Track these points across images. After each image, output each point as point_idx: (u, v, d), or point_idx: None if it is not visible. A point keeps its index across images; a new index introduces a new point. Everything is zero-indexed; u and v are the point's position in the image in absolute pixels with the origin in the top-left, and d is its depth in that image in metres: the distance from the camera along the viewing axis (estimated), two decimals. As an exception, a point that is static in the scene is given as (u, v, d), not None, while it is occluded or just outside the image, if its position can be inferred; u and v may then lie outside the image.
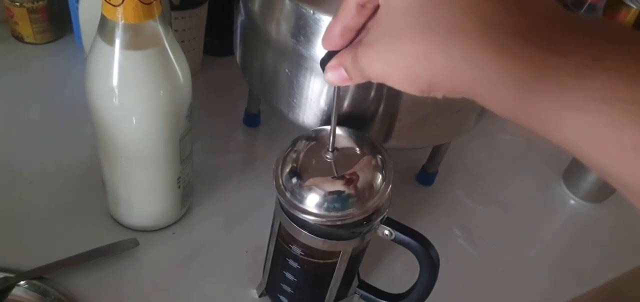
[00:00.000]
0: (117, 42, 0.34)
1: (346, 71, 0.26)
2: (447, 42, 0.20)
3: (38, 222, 0.46)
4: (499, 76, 0.19)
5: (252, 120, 0.61)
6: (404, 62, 0.22)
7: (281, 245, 0.39)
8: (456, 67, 0.20)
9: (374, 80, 0.25)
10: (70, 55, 0.64)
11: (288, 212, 0.36)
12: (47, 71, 0.62)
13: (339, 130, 0.35)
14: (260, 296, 0.44)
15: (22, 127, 0.55)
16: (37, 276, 0.40)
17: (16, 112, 0.56)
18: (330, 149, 0.34)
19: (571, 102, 0.18)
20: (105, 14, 0.34)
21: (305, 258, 0.38)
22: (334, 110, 0.32)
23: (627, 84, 0.16)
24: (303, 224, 0.35)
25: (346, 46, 0.27)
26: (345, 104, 0.40)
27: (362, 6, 0.25)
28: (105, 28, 0.34)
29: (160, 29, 0.36)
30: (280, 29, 0.40)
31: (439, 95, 0.22)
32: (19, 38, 0.63)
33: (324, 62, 0.29)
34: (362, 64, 0.25)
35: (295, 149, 0.35)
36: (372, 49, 0.24)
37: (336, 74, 0.27)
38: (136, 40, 0.35)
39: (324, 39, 0.28)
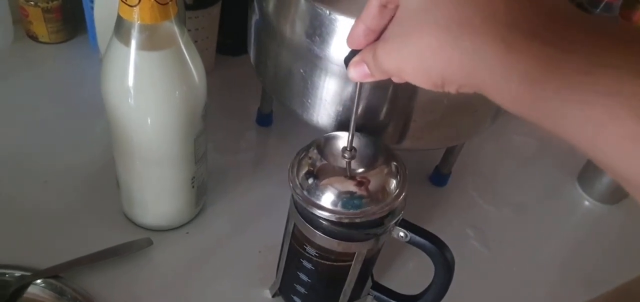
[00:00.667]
0: (133, 42, 0.34)
1: (368, 67, 0.27)
2: (458, 36, 0.20)
3: (53, 221, 0.46)
4: (506, 71, 0.19)
5: (264, 119, 0.61)
6: (417, 55, 0.23)
7: (295, 246, 0.39)
8: (466, 61, 0.21)
9: (391, 75, 0.26)
10: (84, 54, 0.64)
11: (303, 212, 0.36)
12: (61, 71, 0.62)
13: (356, 135, 0.35)
14: (273, 296, 0.44)
15: (36, 126, 0.55)
16: (52, 274, 0.40)
17: (30, 112, 0.56)
18: (348, 148, 0.34)
19: (576, 96, 0.18)
20: (121, 15, 0.34)
21: (320, 259, 0.38)
22: (354, 107, 0.32)
23: (629, 80, 0.17)
24: (318, 225, 0.35)
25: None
26: (361, 104, 0.40)
27: (384, 7, 0.26)
28: (121, 28, 0.34)
29: (176, 30, 0.36)
30: (295, 29, 0.39)
31: (452, 89, 0.23)
32: (34, 37, 0.63)
33: (347, 60, 0.29)
34: (380, 59, 0.26)
35: (312, 148, 0.35)
36: (389, 44, 0.25)
37: (358, 70, 0.28)
38: (152, 41, 0.35)
39: (348, 39, 0.29)
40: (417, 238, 0.36)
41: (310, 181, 0.33)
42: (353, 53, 0.29)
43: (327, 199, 0.33)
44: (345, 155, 0.34)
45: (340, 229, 0.35)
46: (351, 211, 0.33)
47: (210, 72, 0.66)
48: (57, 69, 0.62)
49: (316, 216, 0.35)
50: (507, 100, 0.21)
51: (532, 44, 0.19)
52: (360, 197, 0.33)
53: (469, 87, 0.22)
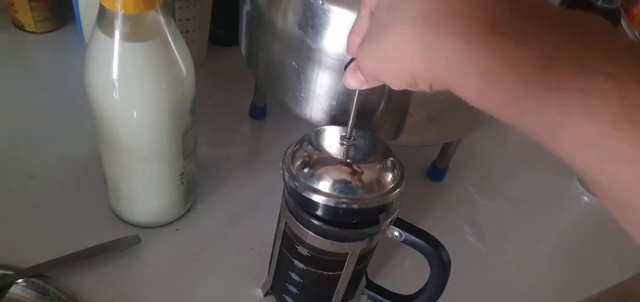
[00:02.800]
0: (117, 33, 0.33)
1: (362, 73, 0.27)
2: (422, 33, 0.20)
3: (38, 218, 0.45)
4: (466, 66, 0.19)
5: (258, 113, 0.59)
6: (387, 55, 0.23)
7: (287, 245, 0.37)
8: (430, 57, 0.20)
9: (374, 77, 0.26)
10: (72, 44, 0.62)
11: (294, 211, 0.35)
12: (49, 61, 0.61)
13: (357, 131, 0.34)
14: (265, 295, 0.43)
15: (22, 119, 0.53)
16: (36, 273, 0.39)
17: (16, 104, 0.55)
18: (348, 135, 0.33)
19: (532, 91, 0.18)
20: (103, 4, 0.32)
21: (312, 259, 0.36)
22: (356, 95, 0.31)
23: (584, 76, 0.16)
24: (309, 225, 0.34)
25: None
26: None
27: (372, 14, 0.25)
28: (104, 19, 0.33)
29: (162, 20, 0.34)
30: (287, 19, 0.38)
31: (425, 87, 0.23)
32: (20, 27, 0.62)
33: (346, 68, 0.29)
34: (360, 62, 0.26)
35: (304, 142, 0.34)
36: (365, 46, 0.25)
37: (354, 77, 0.28)
38: (137, 32, 0.33)
39: (347, 48, 0.29)
40: (412, 238, 0.35)
41: (306, 170, 0.32)
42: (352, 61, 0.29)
43: (324, 185, 0.31)
44: (344, 142, 0.33)
45: (333, 229, 0.34)
46: (349, 196, 0.31)
47: (202, 63, 0.65)
48: (44, 59, 0.61)
49: (308, 214, 0.34)
50: (470, 96, 0.20)
51: (490, 37, 0.18)
52: (357, 185, 0.31)
53: (437, 83, 0.22)
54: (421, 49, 0.21)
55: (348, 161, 0.32)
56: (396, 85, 0.24)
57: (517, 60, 0.18)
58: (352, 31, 0.28)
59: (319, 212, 0.33)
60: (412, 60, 0.21)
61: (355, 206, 0.31)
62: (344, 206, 0.31)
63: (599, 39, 0.17)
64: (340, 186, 0.31)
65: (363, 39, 0.25)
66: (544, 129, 0.18)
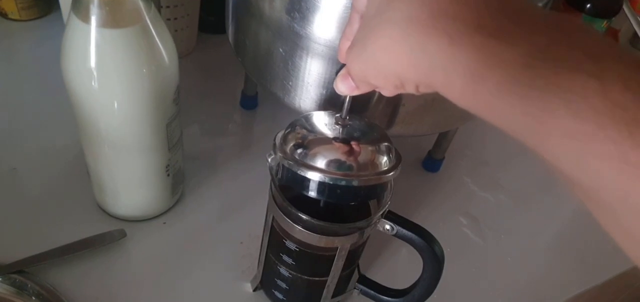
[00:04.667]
0: (93, 19, 0.31)
1: (351, 78, 0.27)
2: (407, 33, 0.20)
3: (20, 211, 0.43)
4: (450, 65, 0.19)
5: (249, 102, 0.58)
6: (374, 58, 0.22)
7: (275, 240, 0.36)
8: (415, 58, 0.20)
9: (363, 81, 0.26)
10: (58, 33, 0.59)
11: (282, 206, 0.33)
12: (33, 50, 0.59)
13: (352, 116, 0.32)
14: (254, 290, 0.42)
15: (5, 109, 0.52)
16: (16, 269, 0.38)
17: None
18: (343, 116, 0.31)
19: (517, 90, 0.18)
20: (78, -12, 0.31)
21: (301, 254, 0.35)
22: None
23: (567, 75, 0.16)
24: (297, 219, 0.33)
25: None
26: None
27: (362, 18, 0.25)
28: (79, 3, 0.31)
29: (141, 4, 0.32)
30: (274, 4, 0.36)
31: (412, 89, 0.22)
32: (3, 14, 0.60)
33: (337, 74, 0.29)
34: (349, 66, 0.25)
35: (296, 126, 0.32)
36: (353, 49, 0.24)
37: (345, 83, 0.28)
38: (114, 17, 0.32)
39: (338, 54, 0.29)
40: (405, 231, 0.34)
41: (300, 150, 0.30)
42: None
43: (320, 162, 0.30)
44: (339, 122, 0.31)
45: (322, 223, 0.32)
46: (345, 172, 0.30)
47: (191, 51, 0.63)
48: (28, 48, 0.59)
49: (296, 208, 0.32)
50: (454, 95, 0.20)
51: (474, 36, 0.18)
52: (352, 164, 0.30)
53: (424, 85, 0.21)
54: (407, 49, 0.20)
55: (344, 137, 0.31)
56: (384, 88, 0.24)
57: (501, 60, 0.18)
58: (343, 36, 0.28)
59: (311, 192, 0.31)
60: (398, 61, 0.21)
61: (354, 183, 0.30)
62: (342, 183, 0.29)
63: (583, 39, 0.17)
64: (335, 164, 0.30)
65: (351, 43, 0.25)
66: (527, 128, 0.18)
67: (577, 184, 0.17)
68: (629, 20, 0.60)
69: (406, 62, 0.21)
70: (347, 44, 0.26)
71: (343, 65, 0.28)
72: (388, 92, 0.24)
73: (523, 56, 0.17)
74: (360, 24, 0.24)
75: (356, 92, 0.28)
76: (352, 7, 0.27)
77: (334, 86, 0.29)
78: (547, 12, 0.19)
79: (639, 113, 0.15)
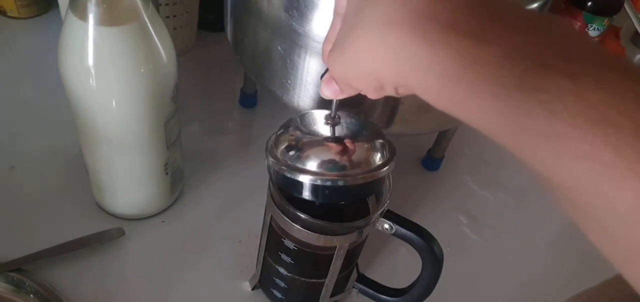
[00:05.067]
0: (91, 17, 0.31)
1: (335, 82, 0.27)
2: (385, 34, 0.20)
3: (19, 210, 0.43)
4: (428, 65, 0.19)
5: (248, 100, 0.57)
6: (354, 59, 0.22)
7: (274, 239, 0.36)
8: (393, 59, 0.20)
9: (342, 85, 0.26)
10: (57, 31, 0.59)
11: (280, 205, 0.33)
12: (32, 48, 0.59)
13: (346, 115, 0.32)
14: (253, 289, 0.42)
15: (4, 107, 0.52)
16: (14, 267, 0.37)
17: (-2, 92, 0.53)
18: (332, 115, 0.31)
19: (490, 89, 0.17)
20: (75, -15, 0.30)
21: (299, 253, 0.35)
22: None
23: (542, 74, 0.16)
24: (295, 218, 0.32)
25: None
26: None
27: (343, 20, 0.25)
28: (77, 1, 0.31)
29: (139, 2, 0.32)
30: (272, 2, 0.36)
31: (391, 91, 0.22)
32: (2, 12, 0.60)
33: (322, 77, 0.28)
34: (330, 68, 0.25)
35: (290, 126, 0.32)
36: (334, 51, 0.24)
37: (330, 87, 0.27)
38: (112, 15, 0.31)
39: (322, 56, 0.28)
40: (403, 230, 0.34)
41: (292, 153, 0.30)
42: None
43: (311, 164, 0.29)
44: (329, 121, 0.31)
45: (320, 222, 0.32)
46: (336, 173, 0.29)
47: (190, 49, 0.63)
48: (27, 46, 0.59)
49: (294, 206, 0.32)
50: (431, 97, 0.20)
51: (449, 36, 0.18)
52: (345, 163, 0.29)
53: (403, 87, 0.21)
54: (384, 50, 0.20)
55: (335, 136, 0.30)
56: (365, 90, 0.24)
57: (476, 59, 0.18)
58: (326, 39, 0.27)
59: (305, 195, 0.31)
60: (377, 62, 0.21)
61: (341, 183, 0.29)
62: (329, 184, 0.29)
63: (559, 39, 0.17)
64: (328, 164, 0.29)
65: (333, 45, 0.25)
66: (503, 129, 0.18)
67: (553, 184, 0.17)
68: (631, 18, 0.60)
69: (384, 64, 0.21)
70: (330, 46, 0.26)
71: (328, 69, 0.28)
72: (370, 94, 0.24)
73: (497, 56, 0.17)
74: (340, 26, 0.24)
75: (341, 96, 0.27)
76: (334, 10, 0.27)
77: (319, 91, 0.29)
78: (527, 12, 0.19)
79: (612, 113, 0.15)
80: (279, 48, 0.37)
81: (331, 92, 0.27)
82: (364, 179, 0.30)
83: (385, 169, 0.30)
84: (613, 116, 0.15)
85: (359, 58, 0.22)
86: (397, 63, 0.20)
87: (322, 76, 0.28)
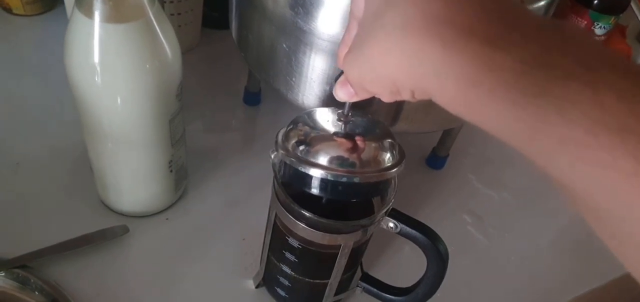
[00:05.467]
0: (97, 14, 0.31)
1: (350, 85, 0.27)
2: (401, 39, 0.20)
3: (24, 207, 0.44)
4: (443, 70, 0.19)
5: (252, 98, 0.57)
6: (370, 64, 0.23)
7: (278, 237, 0.36)
8: (409, 63, 0.20)
9: (358, 88, 0.26)
10: (62, 28, 0.59)
11: (284, 203, 0.33)
12: (37, 45, 0.59)
13: (356, 114, 0.32)
14: (257, 287, 0.42)
15: (10, 104, 0.52)
16: (19, 264, 0.38)
17: (3, 89, 0.53)
18: (345, 112, 0.31)
19: (509, 96, 0.18)
20: (81, -17, 0.30)
21: (303, 251, 0.35)
22: None
23: (561, 83, 0.17)
24: (300, 217, 0.32)
25: None
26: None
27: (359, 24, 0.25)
28: (82, -2, 0.31)
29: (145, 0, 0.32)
30: (277, -1, 0.36)
31: (407, 96, 0.23)
32: (7, 9, 0.60)
33: (337, 80, 0.29)
34: (346, 72, 0.26)
35: (301, 119, 0.32)
36: (350, 55, 0.24)
37: (344, 90, 0.28)
38: (118, 12, 0.31)
39: (337, 60, 0.29)
40: (408, 229, 0.34)
41: (302, 147, 0.30)
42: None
43: (322, 159, 0.29)
44: (342, 119, 0.31)
45: (324, 221, 0.32)
46: (347, 169, 0.29)
47: (195, 47, 0.63)
48: (33, 43, 0.59)
49: (299, 205, 0.32)
50: (447, 101, 0.20)
51: (468, 42, 0.18)
52: (355, 160, 0.30)
53: (419, 91, 0.22)
54: (401, 55, 0.20)
55: (346, 134, 0.30)
56: (381, 94, 0.24)
57: (494, 66, 0.18)
58: (342, 42, 0.28)
59: (314, 189, 0.31)
60: (394, 67, 0.21)
61: (356, 180, 0.29)
62: (343, 179, 0.29)
63: (577, 46, 0.17)
64: (338, 160, 0.29)
65: (349, 49, 0.25)
66: (520, 134, 0.18)
67: (570, 189, 0.18)
68: (637, 17, 0.59)
69: (401, 68, 0.21)
70: (346, 50, 0.26)
71: (342, 72, 0.28)
72: (385, 98, 0.24)
73: (516, 63, 0.18)
74: (357, 31, 0.24)
75: (355, 99, 0.28)
76: (350, 14, 0.27)
77: (333, 93, 0.29)
78: (542, 19, 0.19)
79: (631, 122, 0.15)
80: (284, 46, 0.37)
81: (346, 95, 0.28)
82: (379, 177, 0.30)
83: (396, 169, 0.31)
84: (632, 124, 0.15)
85: (376, 62, 0.22)
86: (414, 67, 0.20)
87: (336, 79, 0.28)
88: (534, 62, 0.17)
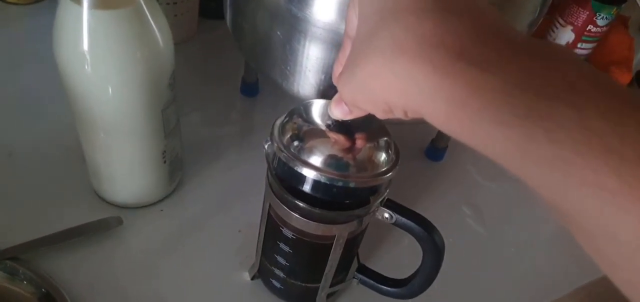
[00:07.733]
0: (85, 0, 0.30)
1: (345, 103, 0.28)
2: (392, 60, 0.20)
3: (16, 197, 0.43)
4: (434, 92, 0.19)
5: (249, 89, 0.57)
6: (363, 84, 0.23)
7: (272, 228, 0.35)
8: (401, 85, 0.21)
9: (351, 107, 0.27)
10: (57, 18, 0.60)
11: (278, 193, 0.33)
12: (32, 34, 0.58)
13: None
14: (252, 279, 0.41)
15: (2, 94, 0.51)
16: (10, 256, 0.37)
17: (-2, 79, 0.53)
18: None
19: (497, 117, 0.18)
20: (69, -32, 0.30)
21: (298, 242, 0.34)
22: None
23: (546, 104, 0.17)
24: (294, 207, 0.32)
25: None
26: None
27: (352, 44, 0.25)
28: (71, -16, 0.30)
29: (134, -14, 0.32)
30: (271, -14, 0.35)
31: (400, 115, 0.23)
32: (2, -1, 0.59)
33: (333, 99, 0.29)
34: (340, 91, 0.26)
35: (297, 111, 0.31)
36: (343, 75, 0.25)
37: (339, 108, 0.28)
38: (107, -1, 0.31)
39: (333, 78, 0.29)
40: (404, 220, 0.33)
41: (296, 143, 0.30)
42: None
43: (315, 159, 0.29)
44: (331, 119, 0.30)
45: (319, 211, 0.32)
46: (340, 173, 0.29)
47: (192, 37, 0.62)
48: (27, 32, 0.58)
49: (292, 194, 0.32)
50: (439, 121, 0.20)
51: (457, 64, 0.19)
52: (348, 162, 0.29)
53: (412, 111, 0.22)
54: (393, 77, 0.21)
55: (339, 133, 0.30)
56: (374, 112, 0.24)
57: (482, 87, 0.18)
58: (337, 61, 0.28)
59: (306, 188, 0.30)
60: (385, 87, 0.21)
61: (351, 185, 0.29)
62: (339, 183, 0.29)
63: (562, 67, 0.18)
64: (332, 161, 0.29)
65: (343, 68, 0.25)
66: (510, 154, 0.18)
67: (560, 210, 0.18)
68: (639, 8, 0.58)
69: (393, 89, 0.21)
70: (340, 69, 0.26)
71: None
72: (379, 116, 0.25)
73: (503, 84, 0.18)
74: (350, 50, 0.24)
75: (349, 117, 0.28)
76: (345, 33, 0.27)
77: (328, 111, 0.29)
78: (529, 39, 0.19)
79: (615, 142, 0.16)
80: (278, 33, 0.36)
81: (340, 113, 0.28)
82: (373, 182, 0.30)
83: (390, 174, 0.30)
84: (615, 144, 0.15)
85: (368, 84, 0.22)
86: (406, 89, 0.20)
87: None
88: (521, 83, 0.18)
